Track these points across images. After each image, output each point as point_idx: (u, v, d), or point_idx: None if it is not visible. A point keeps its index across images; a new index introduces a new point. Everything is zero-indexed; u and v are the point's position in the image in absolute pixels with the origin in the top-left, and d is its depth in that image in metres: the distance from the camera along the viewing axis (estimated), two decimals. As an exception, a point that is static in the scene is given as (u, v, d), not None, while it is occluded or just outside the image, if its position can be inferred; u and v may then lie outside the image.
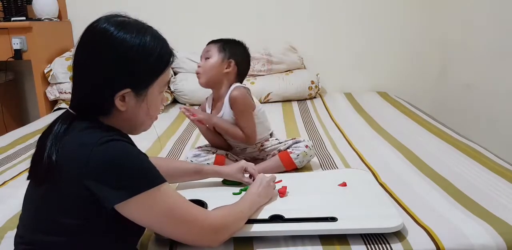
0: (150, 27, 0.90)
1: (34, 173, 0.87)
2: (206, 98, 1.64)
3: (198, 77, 1.54)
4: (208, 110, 1.60)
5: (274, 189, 1.23)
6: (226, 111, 1.54)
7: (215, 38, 1.60)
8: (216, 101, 1.59)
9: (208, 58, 1.53)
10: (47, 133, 0.87)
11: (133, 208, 0.82)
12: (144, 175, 0.83)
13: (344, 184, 1.31)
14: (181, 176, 1.29)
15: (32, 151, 1.86)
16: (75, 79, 0.88)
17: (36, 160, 0.86)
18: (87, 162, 0.79)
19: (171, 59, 0.92)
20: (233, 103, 1.50)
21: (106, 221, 0.84)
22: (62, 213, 0.83)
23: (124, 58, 0.84)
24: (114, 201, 0.80)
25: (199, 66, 1.54)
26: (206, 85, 1.55)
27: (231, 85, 1.54)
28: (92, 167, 0.79)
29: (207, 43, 1.59)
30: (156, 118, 0.97)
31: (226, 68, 1.52)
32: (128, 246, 0.95)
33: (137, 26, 0.88)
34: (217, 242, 0.95)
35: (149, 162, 0.85)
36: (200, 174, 1.31)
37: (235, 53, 1.55)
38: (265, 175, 1.25)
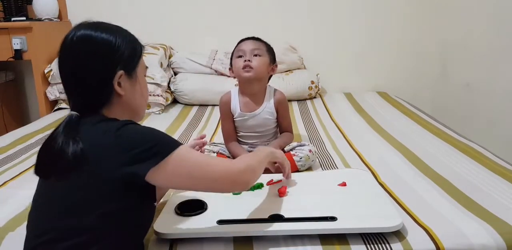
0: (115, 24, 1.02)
1: (55, 169, 0.90)
2: (229, 93, 1.65)
3: (247, 71, 1.55)
4: (236, 104, 1.62)
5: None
6: (266, 109, 1.62)
7: (246, 37, 1.64)
8: (249, 96, 1.62)
9: (259, 55, 1.57)
10: (54, 134, 0.93)
11: (165, 171, 0.89)
12: (164, 141, 0.92)
13: (343, 184, 1.31)
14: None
15: (33, 151, 1.86)
16: (71, 83, 0.96)
17: (53, 158, 0.90)
18: (113, 146, 0.88)
19: (143, 46, 1.04)
20: (281, 104, 1.63)
21: (135, 202, 0.91)
22: (96, 200, 0.87)
23: (111, 47, 0.95)
24: (146, 169, 0.87)
25: (247, 60, 1.55)
26: (252, 79, 1.57)
27: (265, 86, 1.64)
28: (119, 149, 0.87)
29: (245, 38, 1.63)
30: (148, 98, 1.11)
31: (271, 71, 1.62)
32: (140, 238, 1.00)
33: (106, 23, 1.00)
34: (246, 183, 1.01)
35: (163, 132, 0.95)
36: None
37: (275, 58, 1.64)
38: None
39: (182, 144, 0.94)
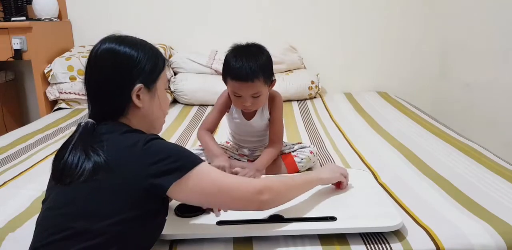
0: (141, 39, 1.06)
1: (75, 176, 0.91)
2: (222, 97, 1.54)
3: (247, 109, 1.45)
4: (238, 110, 1.53)
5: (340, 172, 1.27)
6: (262, 113, 1.52)
7: (245, 66, 1.36)
8: None
9: (258, 96, 1.41)
10: (70, 141, 0.96)
11: (186, 186, 0.92)
12: (188, 157, 0.96)
13: (338, 184, 1.29)
14: None
15: (33, 151, 1.86)
16: (93, 93, 1.00)
17: (71, 167, 0.92)
18: (140, 158, 0.91)
19: (166, 60, 1.09)
20: (273, 101, 1.51)
21: (154, 212, 0.94)
22: (117, 207, 0.90)
23: (132, 61, 0.99)
24: (169, 183, 0.91)
25: (246, 104, 1.41)
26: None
27: None
28: (146, 162, 0.91)
29: (243, 73, 1.35)
30: (167, 113, 1.11)
31: (270, 88, 1.47)
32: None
33: (131, 37, 1.04)
34: (263, 203, 0.99)
35: (186, 149, 1.00)
36: None
37: (272, 68, 1.44)
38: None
39: (204, 161, 0.96)
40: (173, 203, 1.20)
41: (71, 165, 0.91)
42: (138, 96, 0.99)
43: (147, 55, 1.01)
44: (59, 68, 2.65)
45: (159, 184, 0.91)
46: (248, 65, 1.36)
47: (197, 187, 0.94)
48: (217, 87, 2.63)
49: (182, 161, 0.93)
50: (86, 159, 0.91)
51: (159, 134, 1.03)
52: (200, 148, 1.60)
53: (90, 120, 0.98)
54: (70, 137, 0.98)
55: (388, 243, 1.04)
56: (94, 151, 0.91)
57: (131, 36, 1.04)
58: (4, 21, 2.71)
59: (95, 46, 1.01)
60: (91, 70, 1.00)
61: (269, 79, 1.43)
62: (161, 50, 2.90)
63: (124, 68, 0.98)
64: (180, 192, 0.93)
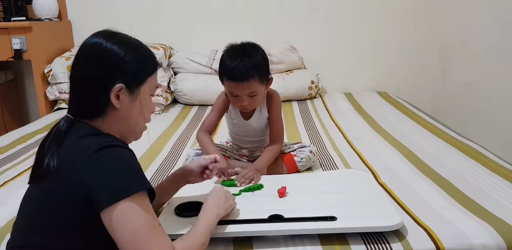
0: (136, 39, 1.01)
1: (34, 176, 0.91)
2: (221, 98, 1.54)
3: (245, 109, 1.45)
4: (236, 111, 1.53)
5: (233, 199, 1.15)
6: (261, 112, 1.51)
7: (239, 62, 1.37)
8: None
9: (255, 95, 1.41)
10: (46, 139, 0.93)
11: (111, 215, 0.82)
12: (130, 180, 0.86)
13: (283, 190, 1.26)
14: (166, 194, 1.23)
15: (33, 151, 1.86)
16: (73, 84, 0.96)
17: (35, 165, 0.91)
18: (85, 167, 0.84)
19: (158, 64, 1.02)
20: (270, 99, 1.49)
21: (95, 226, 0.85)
22: (58, 214, 0.85)
23: (116, 59, 0.93)
24: (104, 205, 0.82)
25: (244, 104, 1.42)
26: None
27: None
28: (89, 172, 0.84)
29: (238, 73, 1.37)
30: (149, 120, 1.03)
31: (267, 87, 1.47)
32: None
33: (125, 36, 0.99)
34: None
35: (139, 169, 0.89)
36: (176, 182, 1.23)
37: (267, 66, 1.45)
38: (221, 187, 1.18)
39: (147, 188, 0.87)
40: (174, 202, 1.20)
41: (38, 165, 0.89)
42: (117, 96, 0.93)
43: (135, 56, 0.95)
44: (59, 68, 2.64)
45: (94, 200, 0.82)
46: (242, 65, 1.37)
47: (115, 223, 0.81)
48: (217, 87, 2.61)
49: (124, 184, 0.83)
50: (45, 162, 0.86)
51: (143, 140, 0.98)
52: (199, 148, 1.60)
53: (68, 118, 0.93)
54: (47, 134, 0.94)
55: (388, 243, 1.04)
56: (52, 154, 0.87)
57: (125, 35, 0.99)
58: (4, 21, 2.71)
59: (86, 39, 0.97)
60: (76, 62, 0.96)
61: (265, 78, 1.43)
62: (161, 50, 2.91)
63: (106, 66, 0.93)
64: (104, 219, 0.83)
